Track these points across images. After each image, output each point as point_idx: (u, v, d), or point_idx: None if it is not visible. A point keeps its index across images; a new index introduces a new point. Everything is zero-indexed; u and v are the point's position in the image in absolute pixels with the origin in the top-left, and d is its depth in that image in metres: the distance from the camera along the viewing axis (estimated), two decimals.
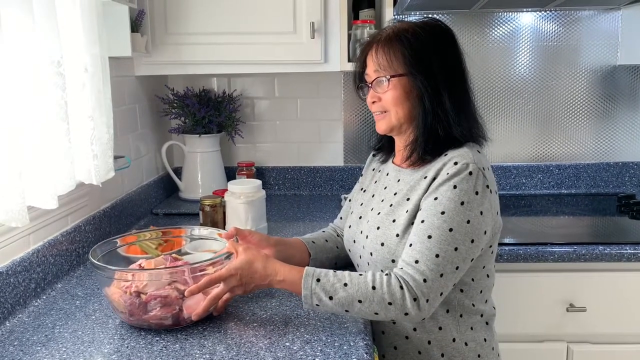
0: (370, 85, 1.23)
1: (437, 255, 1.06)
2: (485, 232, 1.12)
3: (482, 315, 1.22)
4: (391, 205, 1.22)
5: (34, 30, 1.12)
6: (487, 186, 1.13)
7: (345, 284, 1.06)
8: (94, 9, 1.34)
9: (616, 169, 2.27)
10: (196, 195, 2.05)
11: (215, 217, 1.69)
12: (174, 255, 1.23)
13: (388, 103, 1.20)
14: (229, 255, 1.14)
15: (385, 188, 1.29)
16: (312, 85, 2.29)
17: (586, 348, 1.69)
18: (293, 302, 1.21)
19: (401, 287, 1.05)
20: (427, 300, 1.05)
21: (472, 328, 1.20)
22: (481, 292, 1.21)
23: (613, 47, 2.20)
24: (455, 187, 1.10)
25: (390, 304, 1.05)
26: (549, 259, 1.64)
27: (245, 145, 2.35)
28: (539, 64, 2.23)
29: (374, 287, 1.05)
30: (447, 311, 1.18)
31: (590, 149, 2.28)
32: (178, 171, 2.21)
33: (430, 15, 2.09)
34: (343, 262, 1.41)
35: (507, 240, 1.71)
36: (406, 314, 1.05)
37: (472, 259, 1.12)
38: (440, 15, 2.17)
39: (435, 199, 1.10)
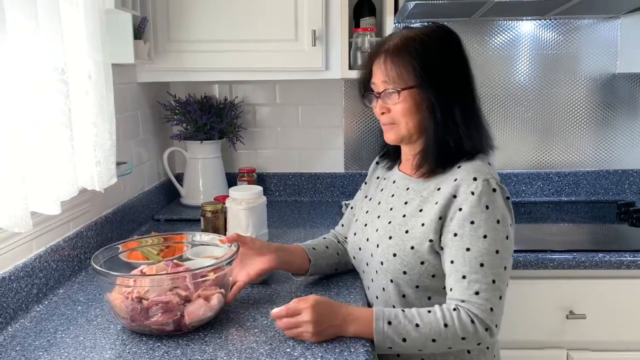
0: (378, 95, 1.23)
1: (493, 281, 1.09)
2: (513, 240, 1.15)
3: None
4: (404, 215, 1.22)
5: (38, 38, 1.13)
6: (508, 198, 1.15)
7: (417, 325, 1.07)
8: (97, 17, 1.36)
9: (616, 176, 2.28)
10: (197, 201, 2.06)
11: (217, 223, 1.70)
12: (175, 261, 1.24)
13: (398, 115, 1.20)
14: (230, 261, 1.15)
15: (392, 196, 1.29)
16: (313, 92, 2.30)
17: (586, 355, 1.69)
18: None
19: (472, 322, 1.07)
20: (496, 325, 1.09)
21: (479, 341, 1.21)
22: None
23: (612, 55, 2.21)
24: (487, 207, 1.11)
25: (463, 338, 1.07)
26: (549, 266, 1.65)
27: (246, 152, 2.36)
28: (538, 72, 2.24)
29: (445, 325, 1.07)
30: None
31: (590, 156, 2.29)
32: (179, 177, 2.22)
33: (438, 22, 2.11)
34: (343, 268, 1.42)
35: None
36: (479, 343, 1.09)
37: None
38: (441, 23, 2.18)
39: (472, 223, 1.10)
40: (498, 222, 1.10)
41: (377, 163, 1.44)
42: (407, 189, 1.25)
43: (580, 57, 2.22)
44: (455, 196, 1.14)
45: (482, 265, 1.08)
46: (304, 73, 1.94)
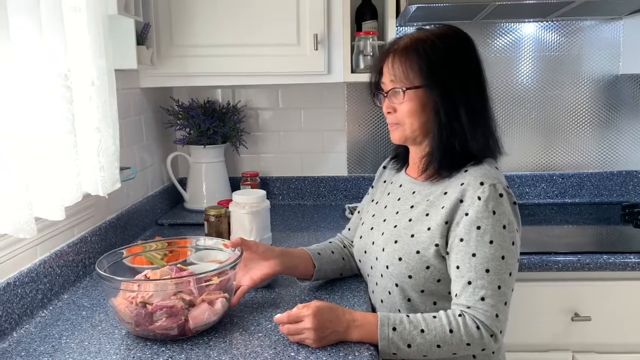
0: (386, 94, 1.23)
1: (499, 287, 1.08)
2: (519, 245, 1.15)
3: None
4: (410, 219, 1.21)
5: (41, 44, 1.13)
6: (515, 203, 1.14)
7: (422, 330, 1.06)
8: (100, 23, 1.36)
9: (620, 177, 2.27)
10: (201, 205, 2.06)
11: (220, 227, 1.70)
12: (179, 265, 1.24)
13: (403, 115, 1.20)
14: (234, 265, 1.15)
15: (398, 199, 1.28)
16: (315, 96, 2.30)
17: (592, 358, 1.69)
18: None
19: (478, 328, 1.07)
20: (501, 332, 1.09)
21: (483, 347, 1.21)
22: None
23: (615, 56, 2.20)
24: (494, 212, 1.10)
25: (468, 344, 1.07)
26: (553, 268, 1.64)
27: (249, 156, 2.36)
28: (541, 73, 2.24)
29: (451, 331, 1.06)
30: None
31: (594, 158, 2.29)
32: (183, 182, 2.23)
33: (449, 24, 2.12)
34: (349, 273, 1.41)
35: None
36: (484, 349, 1.09)
37: None
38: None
39: (478, 228, 1.10)
40: (504, 227, 1.10)
41: (385, 167, 1.44)
42: (414, 192, 1.25)
43: (583, 58, 2.21)
44: (461, 200, 1.13)
45: (487, 271, 1.08)
46: (306, 77, 1.95)
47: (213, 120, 2.12)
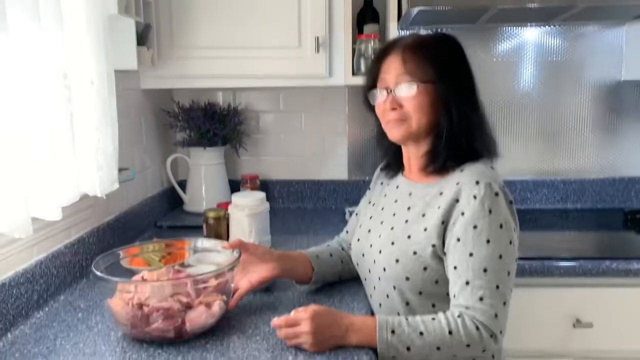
0: (389, 90, 1.21)
1: (497, 287, 1.07)
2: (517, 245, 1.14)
3: None
4: (406, 221, 1.20)
5: (40, 43, 1.13)
6: (511, 202, 1.14)
7: (421, 333, 1.05)
8: (100, 23, 1.36)
9: (622, 183, 2.26)
10: (200, 207, 2.05)
11: (219, 229, 1.69)
12: (176, 267, 1.23)
13: (411, 110, 1.19)
14: (232, 268, 1.14)
15: (395, 201, 1.28)
16: (316, 99, 2.29)
17: None
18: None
19: (477, 328, 1.05)
20: (501, 332, 1.08)
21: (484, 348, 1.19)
22: None
23: (617, 62, 2.19)
24: (490, 211, 1.09)
25: (468, 345, 1.05)
26: (555, 273, 1.63)
27: (249, 158, 2.35)
28: (543, 78, 2.23)
29: (450, 332, 1.05)
30: None
31: (596, 163, 2.27)
32: (182, 184, 2.22)
33: (441, 31, 2.12)
34: (347, 276, 1.40)
35: None
36: (484, 350, 1.07)
37: None
38: (445, 29, 2.18)
39: (475, 227, 1.09)
40: (501, 226, 1.09)
41: (382, 169, 1.43)
42: (410, 194, 1.24)
43: (585, 63, 2.20)
44: (457, 200, 1.13)
45: (485, 270, 1.07)
46: (308, 80, 1.94)
47: (213, 123, 2.11)
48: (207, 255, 1.33)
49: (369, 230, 1.31)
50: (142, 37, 1.78)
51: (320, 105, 2.30)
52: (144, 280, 1.13)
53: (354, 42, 1.94)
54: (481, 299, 1.06)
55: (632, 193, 2.26)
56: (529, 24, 2.18)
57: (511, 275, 1.10)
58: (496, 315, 1.06)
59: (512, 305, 1.59)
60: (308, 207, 2.34)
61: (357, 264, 1.35)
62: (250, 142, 2.30)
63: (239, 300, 1.21)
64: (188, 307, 1.08)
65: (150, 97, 2.06)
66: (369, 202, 1.40)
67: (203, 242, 1.36)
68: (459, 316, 1.07)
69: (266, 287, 1.35)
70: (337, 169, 2.34)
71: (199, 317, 1.08)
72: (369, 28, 2.03)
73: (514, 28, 2.20)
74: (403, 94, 1.19)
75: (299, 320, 1.04)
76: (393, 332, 1.05)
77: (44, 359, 1.04)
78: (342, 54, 1.91)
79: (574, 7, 1.79)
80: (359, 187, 2.31)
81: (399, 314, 1.19)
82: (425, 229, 1.16)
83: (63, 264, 1.38)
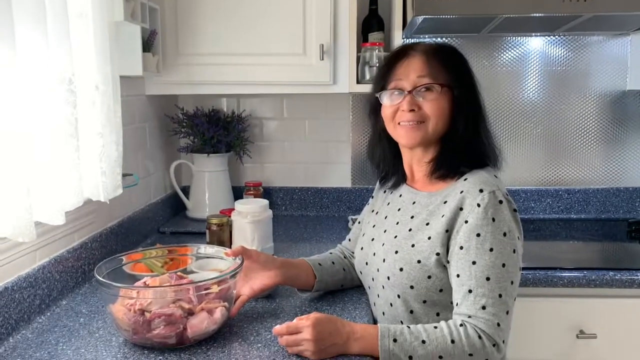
0: (408, 91, 1.19)
1: (500, 296, 1.06)
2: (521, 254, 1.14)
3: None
4: (410, 229, 1.20)
5: (46, 48, 1.13)
6: (515, 210, 1.14)
7: (423, 341, 1.04)
8: (106, 29, 1.36)
9: (626, 194, 2.25)
10: (203, 214, 2.05)
11: (222, 236, 1.69)
12: (179, 273, 1.23)
13: (431, 112, 1.18)
14: (234, 274, 1.13)
15: (399, 210, 1.27)
16: (320, 106, 2.30)
17: None
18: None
19: (480, 337, 1.05)
20: (504, 341, 1.06)
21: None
22: None
23: (622, 72, 2.19)
24: (494, 219, 1.09)
25: (471, 355, 1.05)
26: (559, 284, 1.62)
27: (253, 165, 2.35)
28: (547, 88, 2.22)
29: (452, 341, 1.04)
30: None
31: (600, 173, 2.26)
32: (186, 190, 2.22)
33: (437, 39, 2.12)
34: (349, 284, 1.40)
35: None
36: (487, 359, 1.06)
37: None
38: (449, 38, 2.19)
39: (478, 235, 1.09)
40: (505, 234, 1.09)
41: (380, 182, 1.43)
42: (414, 202, 1.24)
43: (590, 73, 2.20)
44: (461, 208, 1.12)
45: (488, 279, 1.07)
46: (312, 87, 1.94)
47: (217, 129, 2.11)
48: (210, 262, 1.33)
49: (373, 239, 1.31)
50: (148, 44, 1.79)
51: (324, 112, 2.30)
52: (146, 286, 1.13)
53: (358, 50, 1.95)
54: (484, 307, 1.06)
55: (636, 203, 2.25)
56: (533, 34, 2.19)
57: (514, 284, 1.10)
58: (499, 325, 1.06)
59: (516, 315, 1.58)
60: (311, 214, 2.34)
61: (361, 273, 1.34)
62: (253, 149, 2.30)
63: (241, 307, 1.21)
64: (190, 313, 1.08)
65: (154, 103, 2.06)
66: (372, 211, 1.40)
67: (206, 249, 1.35)
68: (461, 325, 1.06)
69: (268, 294, 1.34)
70: (340, 176, 2.34)
71: (200, 323, 1.08)
72: (373, 36, 2.03)
73: (519, 38, 2.20)
74: (424, 96, 1.18)
75: (301, 327, 1.03)
76: (395, 340, 1.04)
77: None
78: (347, 61, 1.91)
79: (579, 17, 1.79)
80: (362, 195, 2.30)
81: (402, 322, 1.19)
82: (429, 238, 1.15)
83: (66, 269, 1.38)
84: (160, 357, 1.05)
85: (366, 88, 1.86)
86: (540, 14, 1.73)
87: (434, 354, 1.04)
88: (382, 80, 1.25)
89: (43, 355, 1.07)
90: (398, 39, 1.92)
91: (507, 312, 1.07)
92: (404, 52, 1.23)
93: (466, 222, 1.11)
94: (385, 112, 1.24)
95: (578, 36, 2.18)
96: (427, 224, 1.17)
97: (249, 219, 1.61)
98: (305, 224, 2.17)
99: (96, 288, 1.43)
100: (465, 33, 2.16)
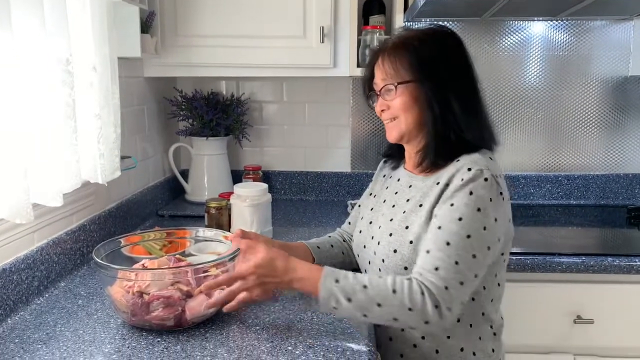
0: (378, 93, 1.24)
1: (456, 263, 1.05)
2: (498, 240, 1.12)
3: (491, 326, 1.21)
4: (404, 212, 1.20)
5: (43, 28, 1.12)
6: (501, 193, 1.12)
7: (365, 286, 1.04)
8: (104, 9, 1.35)
9: (626, 180, 2.25)
10: (202, 197, 2.05)
11: (221, 219, 1.69)
12: (177, 256, 1.23)
13: (397, 109, 1.20)
14: (233, 257, 1.13)
15: (396, 193, 1.28)
16: (320, 90, 2.28)
17: None
18: (296, 307, 1.20)
19: (422, 293, 1.02)
20: (449, 309, 1.03)
21: (480, 338, 1.19)
22: (492, 300, 1.20)
23: (625, 57, 2.18)
24: (471, 193, 1.08)
25: (410, 309, 1.02)
26: (557, 269, 1.62)
27: (252, 149, 2.34)
28: (549, 73, 2.21)
29: (394, 291, 1.03)
30: (458, 320, 1.15)
31: (600, 160, 2.26)
32: (185, 173, 2.21)
33: (439, 23, 2.09)
34: (348, 268, 1.39)
35: (514, 250, 1.68)
36: (427, 322, 1.03)
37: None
38: (450, 22, 2.17)
39: (452, 205, 1.09)
40: (479, 210, 1.07)
41: (385, 161, 1.43)
42: (410, 186, 1.24)
43: (592, 59, 2.19)
44: (447, 185, 1.13)
45: (448, 244, 1.05)
46: (312, 70, 1.93)
47: (216, 112, 2.10)
48: (208, 245, 1.33)
49: (370, 222, 1.31)
50: (146, 25, 1.77)
51: (324, 96, 2.29)
52: (144, 268, 1.13)
53: (359, 32, 1.93)
54: (436, 269, 1.04)
55: (636, 190, 2.25)
56: (535, 19, 2.17)
57: (477, 259, 1.06)
58: (446, 288, 1.03)
59: (514, 300, 1.60)
60: (310, 199, 2.33)
61: (358, 256, 1.35)
62: (253, 132, 2.29)
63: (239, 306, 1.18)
64: (188, 295, 1.08)
65: (153, 85, 2.05)
66: (371, 194, 1.40)
67: (204, 232, 1.35)
68: (408, 279, 1.05)
69: None
70: (340, 161, 2.33)
71: (198, 305, 1.08)
72: (374, 19, 2.02)
73: (520, 22, 2.18)
74: (387, 96, 1.21)
75: (243, 274, 1.07)
76: (337, 281, 1.05)
77: (43, 345, 1.03)
78: (347, 44, 1.89)
79: (582, 1, 1.77)
80: (361, 180, 2.30)
81: None
82: (421, 219, 1.16)
83: (64, 250, 1.38)
84: (159, 339, 1.05)
85: (363, 74, 1.85)
86: None
87: (373, 300, 1.03)
88: (365, 86, 1.30)
89: (41, 336, 1.07)
90: (399, 22, 1.90)
91: (462, 283, 1.04)
92: (377, 53, 1.25)
93: (446, 193, 1.12)
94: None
95: (580, 21, 2.16)
96: (420, 205, 1.18)
97: (248, 203, 1.61)
98: (304, 208, 2.17)
99: (95, 270, 1.43)
100: (467, 17, 2.14)
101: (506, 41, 2.19)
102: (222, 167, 2.17)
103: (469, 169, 1.11)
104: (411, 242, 1.15)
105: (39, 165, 1.15)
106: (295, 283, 1.08)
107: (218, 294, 1.10)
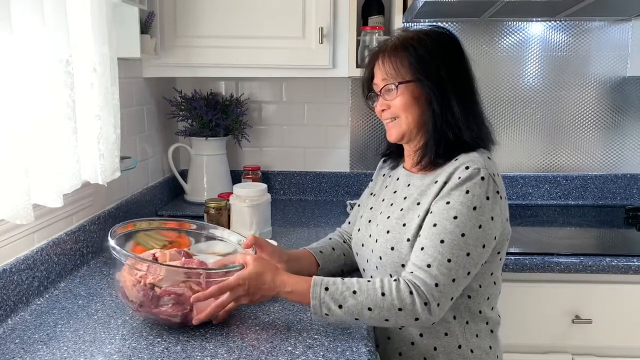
0: (379, 94, 1.24)
1: (449, 260, 1.06)
2: (494, 238, 1.12)
3: (487, 323, 1.21)
4: (402, 209, 1.21)
5: (43, 29, 1.12)
6: (498, 192, 1.13)
7: (354, 292, 1.05)
8: (104, 10, 1.35)
9: (624, 180, 2.25)
10: (201, 197, 2.05)
11: (220, 219, 1.69)
12: (186, 251, 1.21)
13: (397, 109, 1.21)
14: (242, 267, 1.13)
15: (395, 192, 1.29)
16: (319, 90, 2.29)
17: None
18: (296, 307, 1.20)
19: (410, 293, 1.04)
20: (438, 305, 1.05)
21: (477, 335, 1.19)
22: (488, 298, 1.20)
23: (623, 58, 2.18)
24: (467, 191, 1.09)
25: (400, 309, 1.04)
26: (555, 269, 1.63)
27: (251, 149, 2.34)
28: (547, 74, 2.22)
29: (383, 294, 1.05)
30: (454, 317, 1.17)
31: (598, 160, 2.27)
32: (184, 173, 2.21)
33: (438, 24, 2.10)
34: (349, 269, 1.41)
35: (513, 250, 1.69)
36: (417, 319, 1.05)
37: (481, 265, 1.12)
38: (449, 23, 2.17)
39: (448, 203, 1.10)
40: (474, 209, 1.09)
41: (384, 161, 1.44)
42: (408, 185, 1.25)
43: (590, 59, 2.19)
44: (445, 183, 1.14)
45: (442, 242, 1.07)
46: (311, 71, 1.93)
47: (216, 113, 2.10)
48: (209, 245, 1.33)
49: (369, 221, 1.32)
50: (146, 25, 1.78)
51: (323, 96, 2.29)
52: (155, 259, 1.12)
53: (358, 33, 1.93)
54: (428, 266, 1.06)
55: (634, 190, 2.26)
56: (534, 19, 2.17)
57: (471, 257, 1.07)
58: (437, 285, 1.04)
59: (512, 300, 1.61)
60: (309, 199, 2.34)
61: (357, 254, 1.35)
62: (252, 133, 2.29)
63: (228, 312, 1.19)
64: None
65: (152, 85, 2.05)
66: (371, 194, 1.41)
67: (223, 232, 1.33)
68: (395, 280, 1.06)
69: None
70: (339, 161, 2.34)
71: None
72: (374, 19, 2.02)
73: (519, 23, 2.18)
74: (387, 96, 1.22)
75: (231, 286, 1.06)
76: (327, 289, 1.06)
77: (43, 346, 1.04)
78: (347, 45, 1.90)
79: (580, 2, 1.78)
80: (360, 180, 2.30)
81: None
82: (418, 216, 1.16)
83: (64, 251, 1.38)
84: (159, 339, 1.05)
85: (362, 74, 1.86)
86: None
87: (364, 305, 1.04)
88: (365, 87, 1.31)
89: (42, 336, 1.07)
90: (398, 23, 1.90)
91: (454, 280, 1.06)
92: (376, 53, 1.26)
93: (443, 191, 1.13)
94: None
95: (579, 21, 2.17)
96: (418, 203, 1.18)
97: (248, 203, 1.61)
98: (303, 209, 2.17)
99: (95, 270, 1.43)
100: (465, 17, 2.15)
101: (505, 42, 2.20)
102: (222, 168, 2.18)
103: (467, 168, 1.12)
104: (408, 239, 1.16)
105: (40, 166, 1.16)
106: (284, 295, 1.10)
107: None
